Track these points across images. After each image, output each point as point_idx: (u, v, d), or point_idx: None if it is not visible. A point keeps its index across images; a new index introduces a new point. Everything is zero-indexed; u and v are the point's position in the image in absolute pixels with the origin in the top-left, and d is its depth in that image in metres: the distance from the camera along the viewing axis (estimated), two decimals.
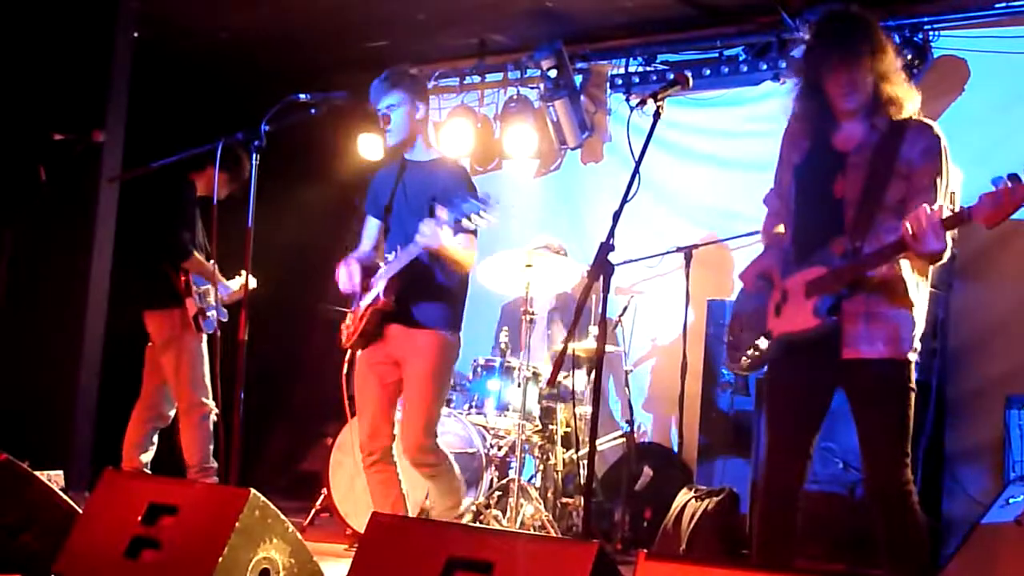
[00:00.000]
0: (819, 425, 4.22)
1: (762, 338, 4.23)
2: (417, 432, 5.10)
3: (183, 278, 6.53)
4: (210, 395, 6.57)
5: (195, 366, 6.61)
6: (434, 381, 5.13)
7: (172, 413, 6.81)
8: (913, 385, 4.08)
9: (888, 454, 4.03)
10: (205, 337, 6.66)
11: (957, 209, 3.76)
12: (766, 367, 4.35)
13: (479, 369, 7.00)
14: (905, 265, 4.06)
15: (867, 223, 4.03)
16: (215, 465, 6.61)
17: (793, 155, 4.35)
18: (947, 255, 3.86)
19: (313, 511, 6.92)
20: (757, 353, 4.27)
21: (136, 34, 7.77)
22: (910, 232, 3.75)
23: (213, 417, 6.58)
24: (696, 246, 7.19)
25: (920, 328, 4.11)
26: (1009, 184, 3.58)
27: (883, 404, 4.05)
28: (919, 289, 4.11)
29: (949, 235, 3.76)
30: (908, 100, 4.14)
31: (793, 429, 4.21)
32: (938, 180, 4.01)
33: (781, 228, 4.41)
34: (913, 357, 4.08)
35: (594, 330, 7.01)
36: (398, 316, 5.15)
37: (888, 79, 4.12)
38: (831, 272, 4.04)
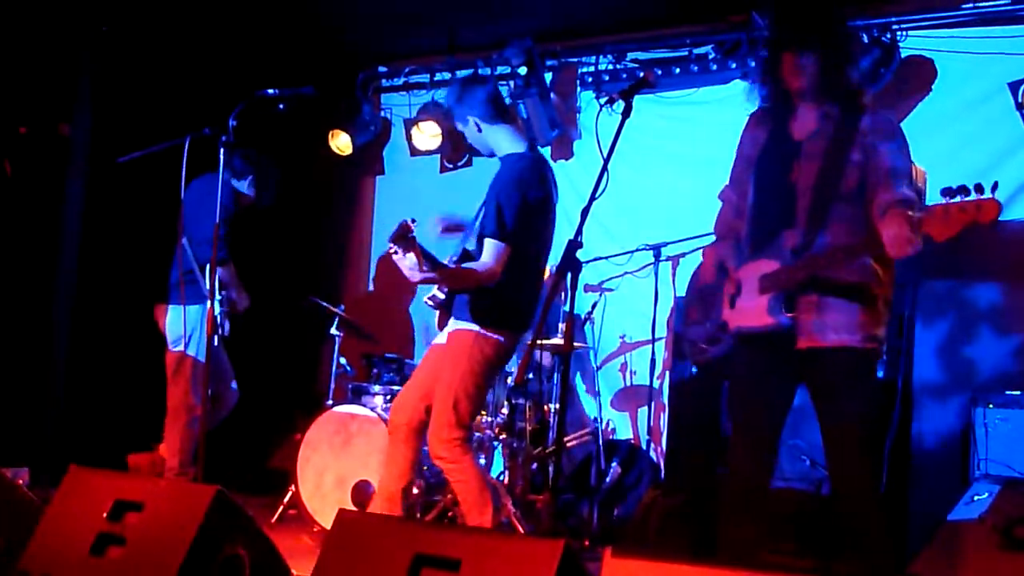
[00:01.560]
0: (783, 419, 4.24)
1: (719, 329, 4.26)
2: (435, 422, 5.16)
3: (212, 279, 6.37)
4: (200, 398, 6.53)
5: (198, 367, 6.56)
6: (454, 373, 5.14)
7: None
8: (874, 378, 4.10)
9: (851, 449, 4.05)
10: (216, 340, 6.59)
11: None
12: (726, 361, 4.37)
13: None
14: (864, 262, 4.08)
15: (821, 214, 4.06)
16: (193, 470, 6.53)
17: (751, 149, 4.38)
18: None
19: (281, 508, 6.90)
20: (715, 343, 4.30)
21: (105, 27, 7.72)
22: (886, 238, 3.76)
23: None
24: (665, 244, 7.22)
25: (883, 318, 4.13)
26: (960, 200, 3.58)
27: (843, 397, 4.08)
28: (879, 279, 4.13)
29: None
30: (858, 90, 4.18)
31: (756, 423, 4.24)
32: (897, 166, 4.03)
33: (737, 225, 4.44)
34: (874, 345, 4.10)
35: (563, 327, 7.02)
36: (447, 306, 5.30)
37: (841, 65, 4.15)
38: (784, 269, 4.07)
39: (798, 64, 4.15)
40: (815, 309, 4.07)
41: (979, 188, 3.57)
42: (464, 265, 5.18)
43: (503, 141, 5.34)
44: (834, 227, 4.05)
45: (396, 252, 4.95)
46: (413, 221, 4.96)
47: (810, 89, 4.18)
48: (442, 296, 5.34)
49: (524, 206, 5.11)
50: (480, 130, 5.32)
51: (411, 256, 4.91)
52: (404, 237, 4.90)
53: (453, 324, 5.24)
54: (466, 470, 5.14)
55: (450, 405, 5.11)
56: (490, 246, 5.08)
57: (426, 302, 5.44)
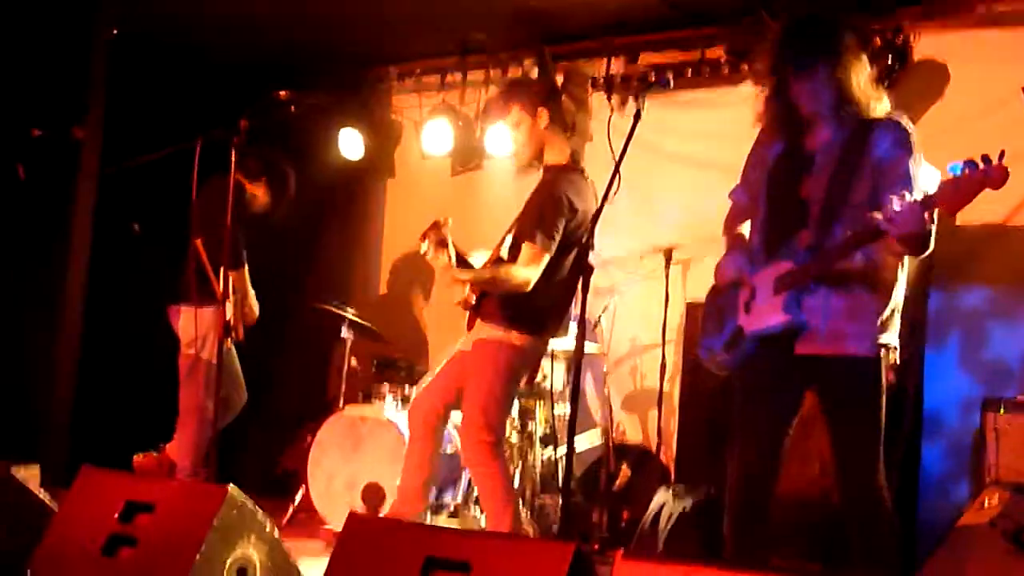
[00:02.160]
0: (791, 423, 4.23)
1: (735, 335, 4.26)
2: (465, 426, 5.20)
3: (226, 282, 6.29)
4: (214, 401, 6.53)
5: (211, 369, 6.57)
6: (483, 378, 5.18)
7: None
8: (883, 384, 4.08)
9: (860, 455, 4.04)
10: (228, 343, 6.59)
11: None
12: (740, 365, 4.36)
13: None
14: (877, 259, 4.08)
15: (831, 219, 4.05)
16: (205, 471, 6.53)
17: (766, 155, 4.36)
18: (931, 246, 3.88)
19: (291, 509, 6.91)
20: (732, 350, 4.29)
21: (116, 31, 7.74)
22: (888, 215, 3.75)
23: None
24: (676, 247, 7.22)
25: (894, 324, 4.13)
26: (967, 170, 3.59)
27: (852, 404, 4.07)
28: (892, 284, 4.12)
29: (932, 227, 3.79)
30: (874, 101, 4.16)
31: (765, 427, 4.23)
32: (912, 171, 4.02)
33: (746, 227, 4.44)
34: (884, 353, 4.09)
35: (574, 329, 7.02)
36: (476, 309, 5.33)
37: (852, 83, 4.12)
38: (798, 267, 4.06)
39: (809, 89, 4.14)
40: (824, 314, 4.06)
41: (986, 158, 3.57)
42: (500, 268, 5.18)
43: (553, 149, 5.35)
44: (846, 229, 4.04)
45: (427, 251, 4.97)
46: (446, 220, 4.97)
47: (823, 109, 4.17)
48: (472, 300, 5.35)
49: (566, 217, 5.12)
50: (546, 126, 5.34)
51: (443, 256, 4.93)
52: (436, 235, 4.92)
53: (481, 328, 5.25)
54: (494, 475, 5.15)
55: (479, 410, 5.13)
56: (528, 251, 5.09)
57: (457, 306, 5.44)
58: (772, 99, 4.30)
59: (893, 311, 4.14)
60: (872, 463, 4.03)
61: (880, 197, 3.99)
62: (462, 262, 5.09)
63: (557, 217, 5.09)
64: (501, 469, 5.16)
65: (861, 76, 4.17)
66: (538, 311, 5.20)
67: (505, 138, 8.34)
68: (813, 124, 4.22)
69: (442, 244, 4.94)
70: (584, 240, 5.20)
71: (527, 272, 5.08)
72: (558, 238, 5.09)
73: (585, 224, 5.20)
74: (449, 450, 6.62)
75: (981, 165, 3.57)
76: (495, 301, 5.21)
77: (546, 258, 5.07)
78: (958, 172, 3.61)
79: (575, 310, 5.50)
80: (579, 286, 3.92)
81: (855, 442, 4.07)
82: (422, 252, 5.04)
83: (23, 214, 7.02)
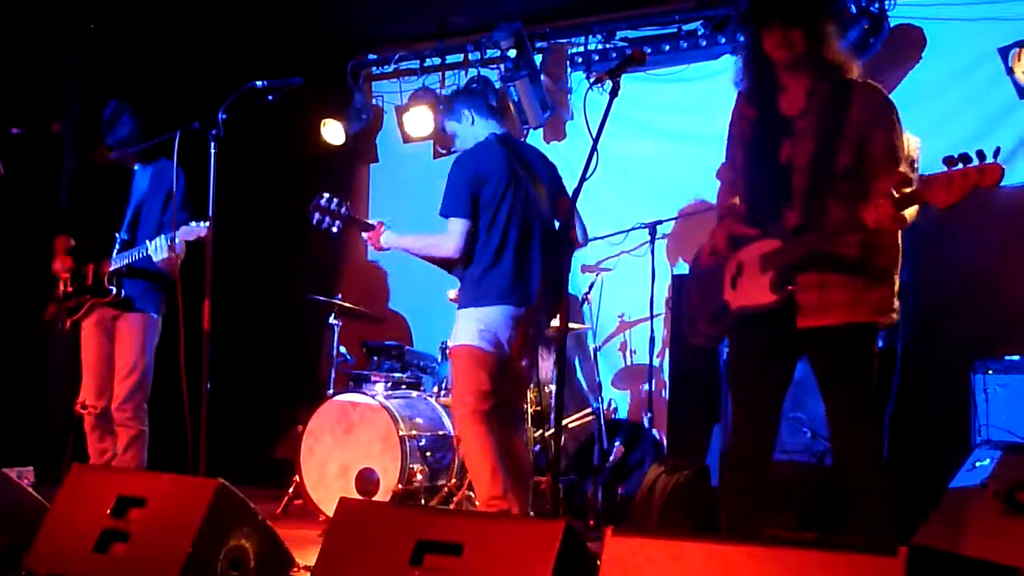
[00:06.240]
0: (783, 392, 4.23)
1: (721, 311, 4.25)
2: (454, 398, 5.52)
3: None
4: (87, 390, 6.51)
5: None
6: (452, 352, 5.42)
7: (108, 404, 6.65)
8: (875, 349, 4.08)
9: (854, 420, 4.05)
10: (89, 325, 6.54)
11: (915, 178, 3.77)
12: (727, 339, 4.37)
13: (447, 351, 7.03)
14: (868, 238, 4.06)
15: (819, 192, 4.03)
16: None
17: (742, 127, 4.35)
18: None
19: (286, 499, 6.91)
20: (716, 325, 4.30)
21: (92, 25, 7.72)
22: (870, 226, 3.76)
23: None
24: (660, 222, 7.22)
25: (891, 288, 4.11)
26: (961, 166, 3.56)
27: (845, 370, 4.06)
28: (881, 249, 4.10)
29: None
30: (846, 63, 4.15)
31: (757, 397, 4.22)
32: (894, 145, 4.02)
33: (736, 201, 4.42)
34: (876, 318, 4.08)
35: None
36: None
37: (824, 41, 4.11)
38: (785, 246, 4.05)
39: (781, 37, 4.10)
40: (816, 288, 4.04)
41: (981, 154, 3.54)
42: (422, 236, 5.52)
43: (476, 134, 5.59)
44: (832, 207, 4.02)
45: (331, 226, 5.21)
46: (321, 195, 5.49)
47: (796, 62, 4.13)
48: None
49: (467, 183, 5.32)
50: (473, 123, 5.57)
51: (349, 226, 5.43)
52: (323, 210, 5.16)
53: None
54: (469, 443, 5.29)
55: (456, 382, 5.36)
56: (445, 223, 5.34)
57: (450, 297, 5.65)
58: (748, 58, 4.28)
59: (891, 275, 4.12)
60: (867, 428, 4.04)
61: (865, 173, 3.99)
62: (366, 227, 5.59)
63: (453, 185, 5.35)
64: (485, 434, 5.22)
65: (834, 36, 4.16)
66: (484, 278, 5.33)
67: None
68: (787, 81, 4.19)
69: (337, 215, 5.23)
70: (518, 204, 5.39)
71: (443, 236, 5.34)
72: (464, 204, 5.29)
73: (496, 182, 5.36)
74: (440, 432, 6.65)
75: (976, 161, 3.54)
76: (461, 287, 5.45)
77: (460, 225, 5.29)
78: (952, 168, 3.57)
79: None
80: (563, 263, 3.93)
81: (850, 407, 4.06)
82: (323, 229, 5.33)
83: (7, 213, 6.99)
